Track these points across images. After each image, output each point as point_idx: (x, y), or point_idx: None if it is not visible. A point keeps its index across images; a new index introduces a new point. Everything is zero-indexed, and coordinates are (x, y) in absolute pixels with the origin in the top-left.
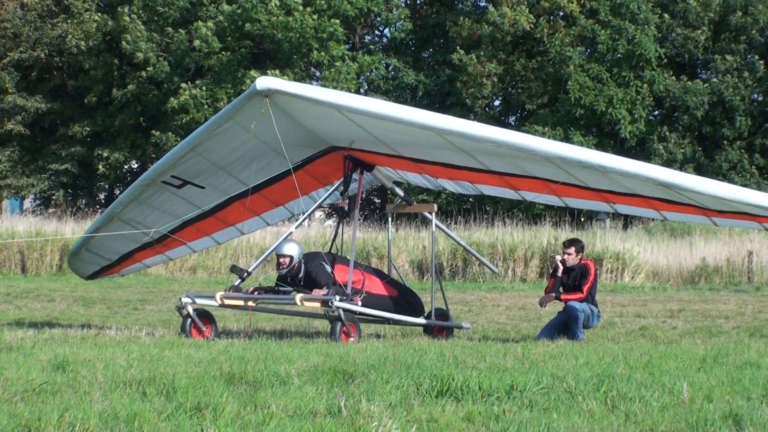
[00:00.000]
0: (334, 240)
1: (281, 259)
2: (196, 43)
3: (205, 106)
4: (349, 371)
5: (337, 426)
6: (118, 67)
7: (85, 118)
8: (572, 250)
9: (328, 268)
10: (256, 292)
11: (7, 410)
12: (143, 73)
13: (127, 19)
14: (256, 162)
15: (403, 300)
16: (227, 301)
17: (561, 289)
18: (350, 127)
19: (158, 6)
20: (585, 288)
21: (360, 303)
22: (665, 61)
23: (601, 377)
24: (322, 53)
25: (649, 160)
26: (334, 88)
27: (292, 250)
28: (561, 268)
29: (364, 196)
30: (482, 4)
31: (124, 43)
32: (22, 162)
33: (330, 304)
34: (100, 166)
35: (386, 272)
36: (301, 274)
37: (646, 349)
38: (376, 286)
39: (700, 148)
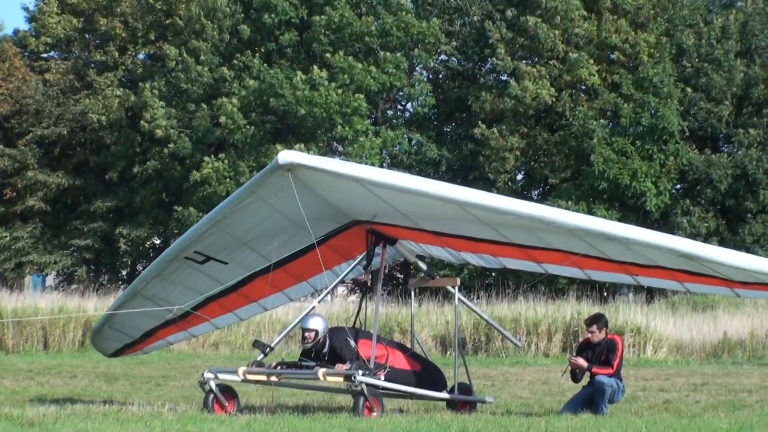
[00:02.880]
0: (357, 315)
1: (306, 333)
2: (222, 119)
3: (228, 180)
4: None
5: None
6: (139, 143)
7: (107, 193)
8: (595, 327)
9: (353, 343)
10: (278, 367)
11: None
12: (165, 150)
13: (148, 94)
14: (279, 237)
15: (426, 374)
16: (250, 376)
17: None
18: (372, 201)
19: (182, 83)
20: (615, 363)
21: (383, 378)
22: (688, 134)
23: None
24: (346, 128)
25: (673, 234)
26: (358, 163)
27: (317, 324)
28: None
29: (386, 270)
30: (504, 78)
31: (143, 121)
32: (44, 238)
33: (353, 378)
34: (122, 243)
35: (409, 347)
36: (325, 349)
37: (670, 422)
38: (399, 361)
39: (723, 222)
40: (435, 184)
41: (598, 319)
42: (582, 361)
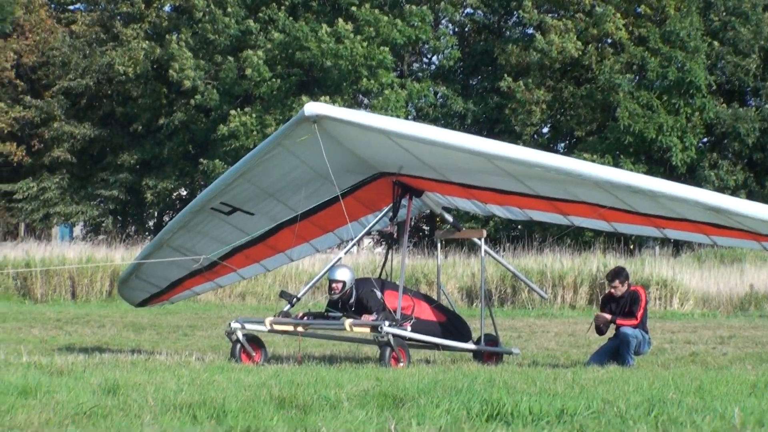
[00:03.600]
0: (383, 266)
1: (333, 284)
2: (248, 71)
3: (254, 133)
4: (399, 396)
5: None
6: (165, 95)
7: (133, 145)
8: (617, 282)
9: (379, 294)
10: (305, 318)
11: None
12: (192, 101)
13: (175, 46)
14: (305, 188)
15: (452, 325)
16: (277, 327)
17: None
18: (399, 153)
19: (209, 34)
20: (638, 314)
21: (409, 328)
22: (714, 88)
23: (652, 402)
24: (372, 81)
25: (700, 188)
26: (383, 115)
27: (344, 275)
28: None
29: (412, 222)
30: (530, 31)
31: (171, 71)
32: (71, 189)
33: (379, 329)
34: (148, 194)
35: (435, 298)
36: (352, 300)
37: (697, 374)
38: (425, 312)
39: (751, 175)
40: (461, 136)
41: (619, 273)
42: (606, 315)
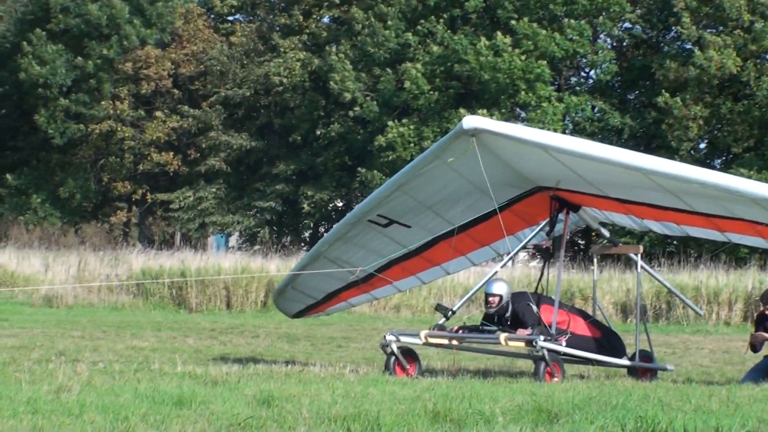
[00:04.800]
0: (540, 280)
1: (490, 298)
2: (406, 84)
3: (412, 145)
4: (553, 411)
5: None
6: (323, 106)
7: (290, 156)
8: None
9: (535, 308)
10: (460, 331)
11: None
12: (350, 113)
13: (335, 58)
14: (462, 201)
15: (606, 341)
16: (431, 340)
17: None
18: (557, 168)
19: (368, 47)
20: None
21: (564, 343)
22: None
23: None
24: (529, 94)
25: None
26: (540, 129)
27: (501, 289)
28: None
29: (568, 237)
30: (688, 46)
31: (332, 82)
32: (227, 199)
33: (534, 344)
34: (305, 205)
35: (591, 313)
36: (508, 314)
37: None
38: (580, 327)
39: None
40: (619, 152)
41: None
42: (764, 334)
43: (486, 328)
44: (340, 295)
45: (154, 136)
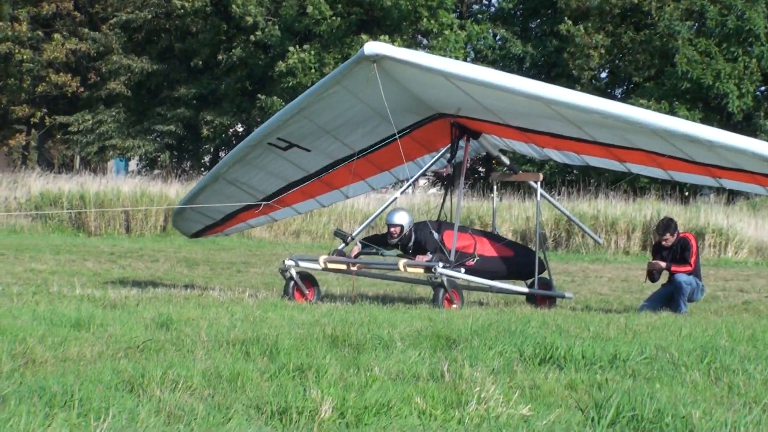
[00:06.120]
0: (442, 207)
1: (392, 229)
2: (309, 9)
3: (313, 71)
4: (452, 337)
5: (440, 390)
6: (225, 31)
7: (191, 80)
8: (668, 235)
9: (437, 236)
10: (359, 256)
11: (112, 366)
12: (251, 37)
13: None
14: (363, 127)
15: (521, 259)
16: (330, 265)
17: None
18: (458, 95)
19: None
20: (692, 260)
21: (471, 268)
22: None
23: (705, 349)
24: (431, 21)
25: (756, 136)
26: (442, 56)
27: (403, 219)
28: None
29: (469, 164)
30: None
31: (233, 6)
32: (127, 123)
33: (433, 270)
34: (205, 130)
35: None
36: (411, 243)
37: (750, 322)
38: (488, 249)
39: None
40: (520, 80)
41: (669, 226)
42: (660, 263)
43: (385, 253)
44: (238, 215)
45: (51, 56)
